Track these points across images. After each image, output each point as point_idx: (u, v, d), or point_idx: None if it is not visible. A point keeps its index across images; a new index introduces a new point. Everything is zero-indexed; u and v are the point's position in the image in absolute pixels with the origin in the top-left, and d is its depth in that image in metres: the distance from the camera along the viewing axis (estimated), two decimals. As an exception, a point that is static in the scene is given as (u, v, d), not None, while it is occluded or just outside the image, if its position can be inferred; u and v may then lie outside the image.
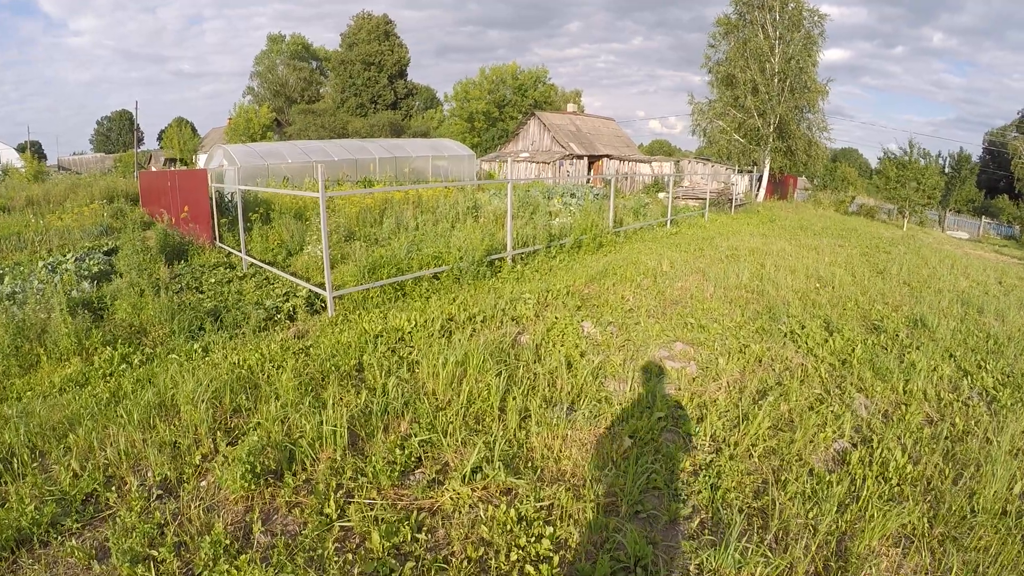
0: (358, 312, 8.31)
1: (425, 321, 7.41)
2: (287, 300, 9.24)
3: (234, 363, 6.52)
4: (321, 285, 8.85)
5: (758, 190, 37.56)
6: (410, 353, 6.46)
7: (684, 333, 7.62)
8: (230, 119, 54.21)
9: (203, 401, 5.24)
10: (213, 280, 10.81)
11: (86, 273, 11.88)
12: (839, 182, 58.42)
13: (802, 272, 11.40)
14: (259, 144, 31.22)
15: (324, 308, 8.67)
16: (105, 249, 14.51)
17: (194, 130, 67.73)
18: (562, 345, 6.91)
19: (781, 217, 27.27)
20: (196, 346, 7.48)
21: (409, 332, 7.12)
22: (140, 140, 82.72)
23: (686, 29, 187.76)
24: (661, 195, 31.72)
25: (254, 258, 12.07)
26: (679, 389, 5.96)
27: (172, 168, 37.85)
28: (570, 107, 51.64)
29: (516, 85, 62.58)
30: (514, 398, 5.16)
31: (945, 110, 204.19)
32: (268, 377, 5.96)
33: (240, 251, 11.94)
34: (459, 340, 6.71)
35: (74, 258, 13.64)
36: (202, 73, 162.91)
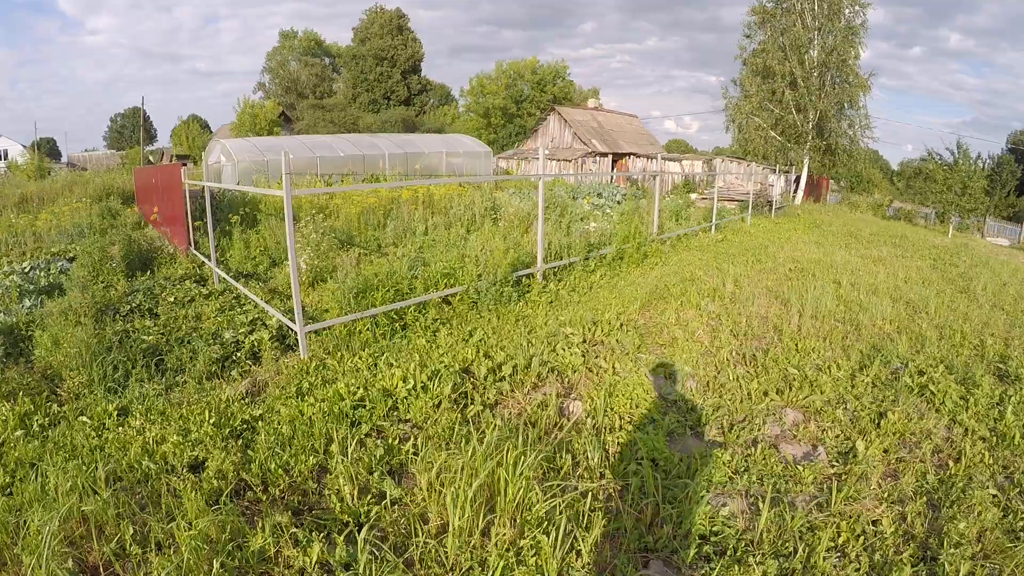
0: (339, 353, 6.13)
1: (429, 378, 5.23)
2: (252, 331, 7.12)
3: (145, 447, 4.44)
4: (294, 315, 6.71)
5: (795, 192, 35.09)
6: (403, 444, 4.30)
7: (792, 394, 5.48)
8: (237, 114, 52.49)
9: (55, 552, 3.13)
10: (172, 299, 8.71)
11: (31, 288, 9.85)
12: (866, 184, 55.86)
13: (885, 293, 9.40)
14: (259, 139, 29.25)
15: (296, 346, 6.52)
16: (71, 255, 12.53)
17: (206, 127, 66.15)
18: (632, 420, 4.74)
19: (825, 222, 24.89)
20: (111, 407, 5.34)
21: (405, 398, 4.95)
22: (153, 137, 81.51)
23: (700, 29, 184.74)
24: (693, 196, 29.48)
25: (225, 271, 9.96)
26: (821, 507, 3.81)
27: (183, 165, 36.04)
28: (591, 103, 49.27)
29: (535, 80, 60.26)
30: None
31: (962, 112, 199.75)
32: (178, 487, 3.82)
33: (214, 260, 9.82)
34: (479, 415, 4.58)
35: (30, 266, 11.65)
36: (217, 72, 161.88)
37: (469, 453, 3.57)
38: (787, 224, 21.62)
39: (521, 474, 3.34)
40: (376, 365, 5.79)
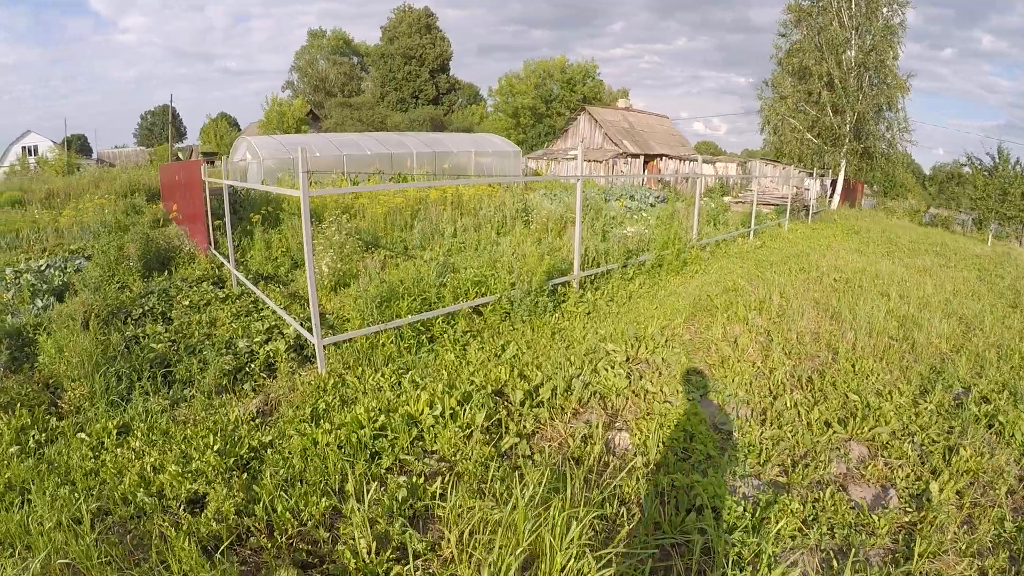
0: (360, 368, 5.61)
1: (459, 402, 4.68)
2: (269, 339, 6.62)
3: (142, 474, 3.98)
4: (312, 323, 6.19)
5: (831, 196, 34.04)
6: (430, 484, 3.75)
7: (856, 425, 4.90)
8: (265, 112, 52.38)
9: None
10: (187, 303, 8.27)
11: (43, 287, 9.48)
12: (899, 189, 54.41)
13: (937, 307, 8.71)
14: (285, 136, 28.96)
15: (315, 357, 6.00)
16: (89, 252, 12.19)
17: (235, 124, 66.40)
18: (686, 456, 4.18)
19: (863, 228, 23.98)
20: (112, 424, 4.87)
21: (432, 426, 4.40)
22: (183, 135, 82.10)
23: (729, 30, 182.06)
24: (726, 199, 28.71)
25: (244, 273, 9.51)
26: (898, 562, 3.29)
27: (210, 163, 36.04)
28: (621, 103, 48.48)
29: (564, 80, 59.51)
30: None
31: (995, 115, 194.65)
32: (170, 535, 3.32)
33: (232, 262, 9.37)
34: (515, 447, 4.04)
35: (47, 264, 11.32)
36: (248, 71, 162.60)
37: (508, 508, 3.00)
38: (825, 230, 20.85)
39: (571, 540, 2.77)
40: (400, 384, 5.26)
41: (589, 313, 7.67)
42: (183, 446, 4.33)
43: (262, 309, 7.86)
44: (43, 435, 4.94)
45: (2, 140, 58.24)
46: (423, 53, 62.48)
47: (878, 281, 10.50)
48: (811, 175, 30.20)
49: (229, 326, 7.14)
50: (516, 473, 3.81)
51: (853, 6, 31.71)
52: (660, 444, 4.41)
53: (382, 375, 5.41)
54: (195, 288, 8.98)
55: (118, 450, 4.51)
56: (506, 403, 5.01)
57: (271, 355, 6.22)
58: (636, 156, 36.32)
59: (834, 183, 33.99)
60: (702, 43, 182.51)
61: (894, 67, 32.35)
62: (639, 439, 4.52)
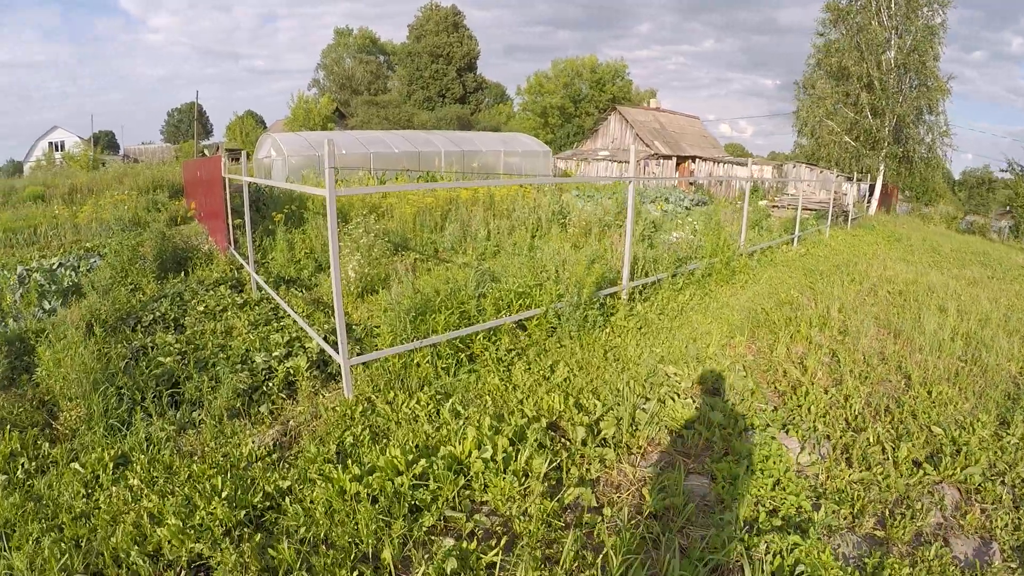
0: (392, 392, 4.90)
1: (511, 440, 3.96)
2: (289, 353, 5.95)
3: (137, 525, 3.33)
4: (337, 337, 5.50)
5: (869, 201, 32.87)
6: (484, 552, 3.05)
7: (945, 464, 4.27)
8: (291, 109, 52.04)
9: None
10: (202, 308, 7.63)
11: (53, 288, 8.92)
12: (931, 194, 52.90)
13: (997, 324, 8.01)
14: (310, 133, 28.40)
15: (340, 376, 5.30)
16: (105, 251, 11.64)
17: (261, 122, 66.32)
18: (777, 510, 3.48)
19: (904, 235, 22.94)
20: (108, 456, 4.22)
21: (481, 471, 3.68)
22: (209, 132, 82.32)
23: (756, 31, 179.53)
24: (762, 203, 27.77)
25: (265, 276, 8.87)
26: None
27: (234, 160, 35.78)
28: (651, 103, 47.49)
29: (594, 80, 58.55)
30: None
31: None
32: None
33: (251, 264, 8.72)
34: (580, 498, 3.34)
35: (59, 263, 10.78)
36: (275, 70, 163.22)
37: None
38: (866, 237, 19.89)
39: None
40: (438, 413, 4.55)
41: (641, 327, 6.92)
42: (187, 488, 3.65)
43: (283, 317, 7.20)
44: (34, 463, 4.32)
45: (31, 136, 58.56)
46: (450, 51, 61.91)
47: (931, 294, 9.81)
48: (849, 179, 29.11)
49: (246, 336, 6.47)
50: (587, 534, 3.11)
51: (893, 5, 30.56)
52: (747, 494, 3.68)
53: (418, 401, 4.69)
54: (211, 292, 8.35)
55: (114, 488, 3.87)
56: (563, 439, 4.30)
57: (291, 372, 5.54)
58: (668, 157, 35.35)
59: (872, 188, 32.82)
60: (728, 45, 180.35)
61: (935, 69, 31.15)
62: (721, 487, 3.79)
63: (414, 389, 4.95)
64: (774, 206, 27.09)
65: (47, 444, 4.61)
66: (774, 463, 4.06)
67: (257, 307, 7.59)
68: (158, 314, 7.41)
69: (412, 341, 5.26)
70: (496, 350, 5.68)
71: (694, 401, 5.02)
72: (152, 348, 6.41)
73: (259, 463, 4.08)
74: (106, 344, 6.44)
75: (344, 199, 15.12)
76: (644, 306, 7.70)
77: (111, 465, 4.15)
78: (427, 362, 5.24)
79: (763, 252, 12.96)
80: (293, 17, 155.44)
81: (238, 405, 5.07)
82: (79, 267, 10.38)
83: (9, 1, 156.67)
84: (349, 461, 3.80)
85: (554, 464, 3.86)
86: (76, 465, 4.19)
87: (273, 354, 5.91)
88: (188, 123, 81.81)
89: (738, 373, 5.75)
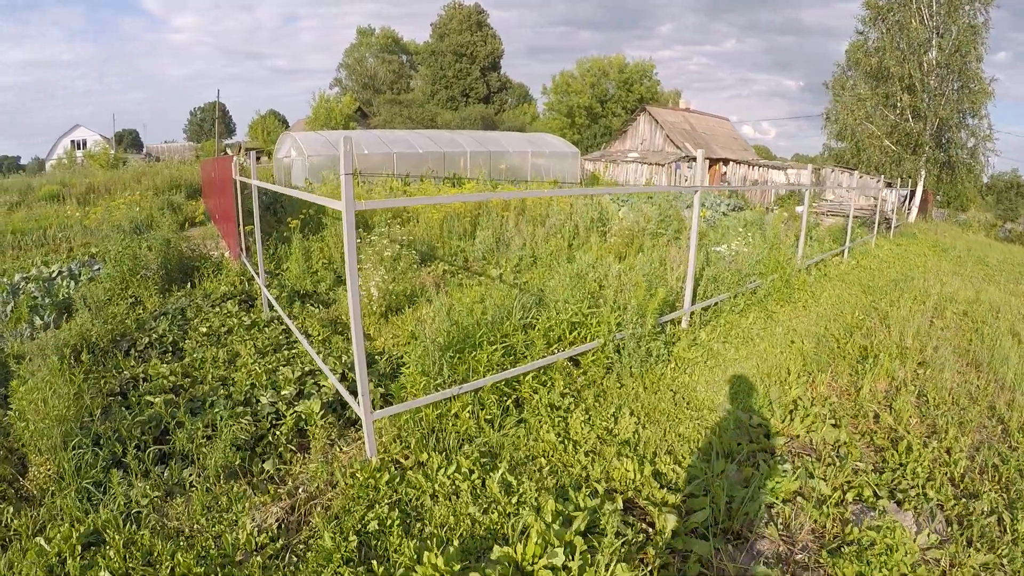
0: (426, 452, 3.93)
1: (582, 533, 3.00)
2: (300, 393, 5.02)
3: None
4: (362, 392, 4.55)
5: (908, 208, 31.48)
6: None
7: None
8: (312, 108, 51.33)
9: None
10: (205, 329, 6.73)
11: (47, 302, 8.08)
12: (962, 199, 51.27)
13: None
14: (332, 132, 27.55)
15: (359, 424, 4.37)
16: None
17: (283, 122, 65.88)
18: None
19: (948, 244, 21.72)
20: (76, 534, 3.33)
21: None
22: (232, 131, 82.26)
23: (779, 32, 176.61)
24: (799, 209, 26.55)
25: (278, 289, 7.95)
26: None
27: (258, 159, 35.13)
28: (681, 103, 46.19)
29: (621, 79, 57.23)
30: None
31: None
32: None
33: (261, 277, 7.82)
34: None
35: (58, 270, 9.97)
36: (297, 70, 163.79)
37: None
38: (912, 247, 18.73)
39: None
40: (484, 484, 3.60)
41: (707, 361, 5.93)
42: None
43: (295, 342, 6.28)
44: (-12, 539, 3.45)
45: (56, 134, 58.64)
46: (474, 50, 60.96)
47: (999, 316, 8.92)
48: (889, 185, 27.80)
49: (251, 368, 5.55)
50: None
51: (934, 3, 29.21)
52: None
53: (458, 468, 3.73)
54: (217, 309, 7.46)
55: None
56: (644, 524, 3.34)
57: (302, 419, 4.61)
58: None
59: (912, 194, 31.41)
60: (750, 45, 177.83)
61: (979, 70, 29.73)
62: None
63: (452, 448, 3.99)
64: (813, 212, 25.89)
65: (10, 508, 3.73)
66: (899, 554, 3.15)
67: (267, 329, 6.67)
68: (155, 336, 6.51)
69: (448, 386, 4.30)
70: (548, 394, 4.70)
71: (792, 466, 4.05)
72: (144, 379, 5.53)
73: (258, 555, 3.15)
74: (92, 374, 5.58)
75: (367, 199, 14.22)
76: (707, 332, 6.71)
77: (79, 548, 3.26)
78: (467, 412, 4.28)
79: (816, 265, 11.93)
80: (315, 17, 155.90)
81: (237, 461, 4.14)
82: (80, 276, 9.56)
83: (35, 1, 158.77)
84: (375, 563, 2.86)
85: (644, 574, 2.90)
86: (41, 541, 3.31)
87: (282, 392, 4.99)
88: (211, 122, 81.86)
89: (825, 422, 4.80)
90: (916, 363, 6.38)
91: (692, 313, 6.94)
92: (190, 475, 4.01)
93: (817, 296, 9.26)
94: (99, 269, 9.77)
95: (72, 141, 53.55)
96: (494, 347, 4.72)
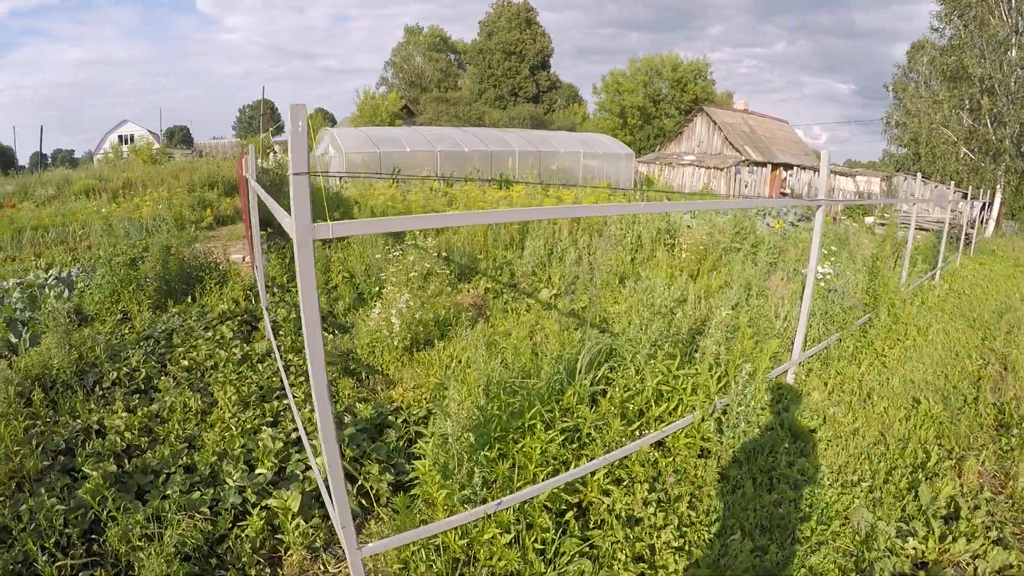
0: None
1: None
2: (281, 476, 3.68)
3: None
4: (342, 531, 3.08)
5: (985, 221, 28.97)
6: None
7: None
8: (357, 105, 50.47)
9: None
10: (188, 362, 5.45)
11: (27, 316, 6.94)
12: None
13: None
14: (372, 128, 26.41)
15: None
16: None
17: (331, 119, 65.53)
18: None
19: (1033, 262, 19.52)
20: None
21: None
22: (281, 129, 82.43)
23: (829, 34, 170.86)
24: (868, 220, 24.52)
25: (285, 309, 6.61)
26: None
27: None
28: (739, 104, 43.93)
29: (674, 79, 54.98)
30: None
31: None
32: None
33: (263, 292, 6.50)
34: None
35: (55, 275, 8.88)
36: (348, 69, 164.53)
37: None
38: (997, 267, 16.57)
39: None
40: None
41: (827, 435, 4.43)
42: None
43: (293, 384, 4.95)
44: None
45: (105, 130, 59.24)
46: (523, 48, 59.53)
47: None
48: (966, 196, 25.47)
49: (227, 425, 4.23)
50: None
51: (1014, 1, 26.79)
52: None
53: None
54: (212, 332, 6.18)
55: None
56: None
57: (270, 526, 3.26)
58: (762, 164, 32.06)
59: (989, 205, 28.89)
60: (801, 47, 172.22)
61: (1063, 72, 27.25)
62: None
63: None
64: (882, 223, 23.85)
65: None
66: None
67: (260, 365, 5.35)
68: (125, 371, 5.24)
69: (482, 498, 2.87)
70: (625, 496, 3.25)
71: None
72: (98, 431, 4.29)
73: None
74: (39, 422, 4.37)
75: (403, 207, 12.94)
76: (817, 390, 5.18)
77: None
78: (509, 537, 2.84)
79: (913, 292, 10.24)
80: (366, 18, 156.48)
81: (183, 580, 2.82)
82: (76, 283, 8.44)
83: (90, 1, 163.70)
84: None
85: None
86: None
87: (257, 472, 3.65)
88: (259, 119, 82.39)
89: (990, 537, 3.34)
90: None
91: (799, 364, 5.41)
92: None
93: (923, 330, 7.67)
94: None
95: (119, 136, 53.80)
96: (551, 433, 3.26)
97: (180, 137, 74.30)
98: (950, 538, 3.44)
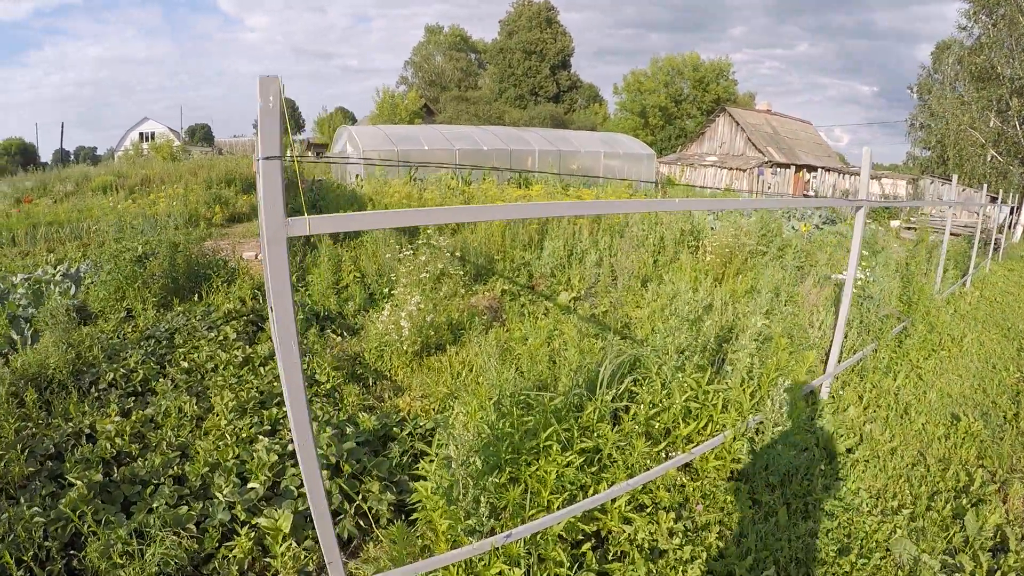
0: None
1: None
2: (274, 491, 3.41)
3: None
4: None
5: (1012, 226, 28.19)
6: None
7: None
8: (376, 104, 50.42)
9: None
10: (188, 364, 5.21)
11: (31, 313, 6.75)
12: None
13: None
14: (390, 127, 26.21)
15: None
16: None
17: (351, 118, 65.57)
18: None
19: (1062, 270, 18.76)
20: None
21: None
22: (301, 127, 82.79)
23: (851, 35, 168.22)
24: (894, 224, 23.98)
25: (293, 310, 6.39)
26: None
27: (319, 154, 34.47)
28: (762, 105, 43.26)
29: (696, 78, 54.29)
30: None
31: None
32: None
33: (270, 291, 6.28)
34: None
35: (63, 272, 8.71)
36: (366, 69, 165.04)
37: None
38: (1024, 271, 15.95)
39: None
40: None
41: (863, 453, 4.09)
42: None
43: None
44: None
45: (127, 127, 59.69)
46: (543, 48, 59.16)
47: None
48: (994, 200, 24.76)
49: (222, 435, 3.97)
50: None
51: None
52: None
53: None
54: (213, 333, 5.94)
55: None
56: None
57: (266, 535, 2.99)
58: (785, 166, 31.48)
59: (1017, 210, 28.12)
60: (822, 49, 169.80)
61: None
62: None
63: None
64: (909, 227, 23.28)
65: None
66: None
67: (262, 369, 5.10)
68: (122, 372, 5.01)
69: (489, 529, 2.57)
70: (648, 525, 2.94)
71: None
72: (90, 436, 4.06)
73: None
74: (31, 423, 4.16)
75: (417, 200, 12.69)
76: (852, 403, 4.84)
77: None
78: (520, 572, 2.54)
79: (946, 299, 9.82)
80: (385, 18, 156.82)
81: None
82: (83, 279, 8.25)
83: (114, 2, 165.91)
84: None
85: None
86: None
87: (249, 486, 3.38)
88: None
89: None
90: None
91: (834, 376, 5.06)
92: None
93: (958, 341, 7.29)
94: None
95: (140, 133, 54.15)
96: (568, 455, 2.94)
97: (201, 135, 74.71)
98: (999, 573, 3.12)
